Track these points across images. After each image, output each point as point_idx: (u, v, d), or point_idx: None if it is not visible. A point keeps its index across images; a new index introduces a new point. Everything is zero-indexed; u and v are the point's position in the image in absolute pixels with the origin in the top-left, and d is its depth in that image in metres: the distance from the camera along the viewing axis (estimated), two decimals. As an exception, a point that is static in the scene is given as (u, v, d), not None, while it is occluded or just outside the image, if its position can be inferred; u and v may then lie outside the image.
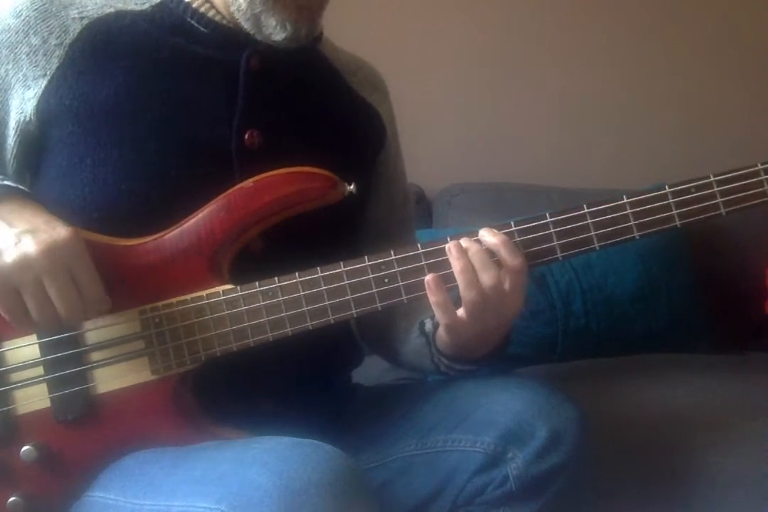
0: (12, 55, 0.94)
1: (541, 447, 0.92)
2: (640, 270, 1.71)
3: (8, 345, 0.89)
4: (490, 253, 0.90)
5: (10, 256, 0.81)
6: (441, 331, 0.98)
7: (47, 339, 0.89)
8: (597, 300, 1.67)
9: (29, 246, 0.82)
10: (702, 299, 1.81)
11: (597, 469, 1.00)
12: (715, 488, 1.19)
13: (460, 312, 0.92)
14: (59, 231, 0.84)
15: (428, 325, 1.03)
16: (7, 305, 0.83)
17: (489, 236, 0.91)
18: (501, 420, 0.94)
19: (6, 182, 0.90)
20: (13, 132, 0.95)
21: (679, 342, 1.72)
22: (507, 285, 0.90)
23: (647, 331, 1.69)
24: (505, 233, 0.91)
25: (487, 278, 0.89)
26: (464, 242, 0.91)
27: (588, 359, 1.60)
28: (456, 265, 0.90)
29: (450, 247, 0.91)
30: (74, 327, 0.88)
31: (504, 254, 0.90)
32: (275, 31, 0.95)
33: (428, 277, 0.90)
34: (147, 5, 0.99)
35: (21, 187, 0.91)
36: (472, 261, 0.90)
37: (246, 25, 0.96)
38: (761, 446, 1.23)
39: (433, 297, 0.90)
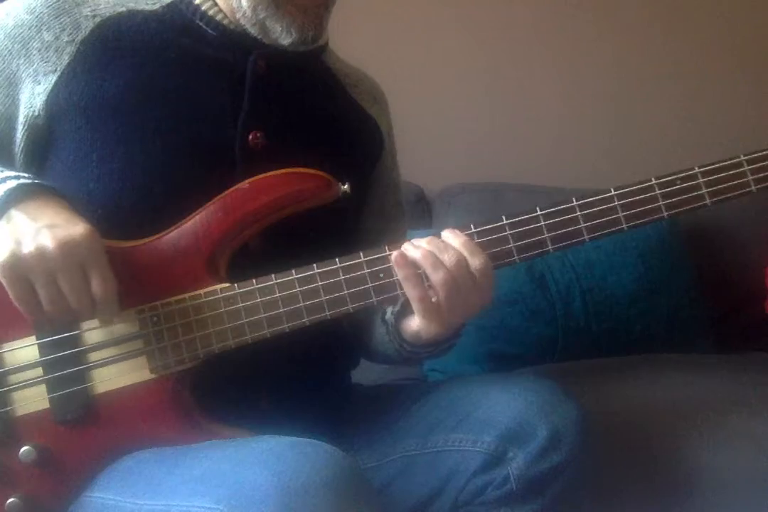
0: (24, 50, 0.95)
1: (542, 447, 0.93)
2: (640, 271, 1.71)
3: (7, 346, 0.89)
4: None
5: (26, 247, 0.82)
6: (415, 319, 0.95)
7: (46, 339, 0.88)
8: (597, 300, 1.67)
9: (46, 239, 0.82)
10: (702, 299, 1.81)
11: (597, 469, 0.99)
12: (716, 487, 1.19)
13: (435, 298, 0.91)
14: (77, 228, 0.84)
15: (388, 314, 1.03)
16: (18, 293, 0.84)
17: (452, 237, 0.91)
18: (501, 419, 0.94)
19: (35, 180, 0.89)
20: (22, 126, 0.96)
21: (679, 342, 1.71)
22: (474, 271, 0.90)
23: (647, 331, 1.69)
24: (496, 227, 0.92)
25: (448, 257, 0.89)
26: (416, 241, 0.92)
27: (588, 359, 1.59)
28: (416, 254, 0.90)
29: (404, 248, 0.91)
30: (78, 324, 0.88)
31: (467, 256, 0.90)
32: (281, 36, 0.97)
33: (395, 253, 0.90)
34: (158, 5, 1.00)
35: (50, 184, 0.90)
36: (431, 249, 0.90)
37: (252, 30, 0.98)
38: (762, 446, 1.23)
39: (401, 272, 0.90)
